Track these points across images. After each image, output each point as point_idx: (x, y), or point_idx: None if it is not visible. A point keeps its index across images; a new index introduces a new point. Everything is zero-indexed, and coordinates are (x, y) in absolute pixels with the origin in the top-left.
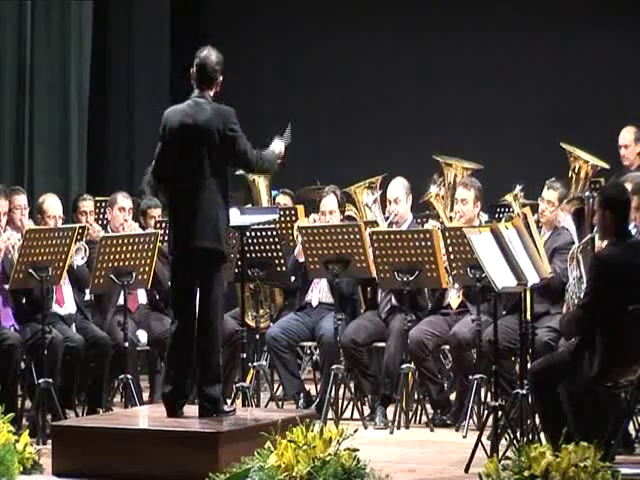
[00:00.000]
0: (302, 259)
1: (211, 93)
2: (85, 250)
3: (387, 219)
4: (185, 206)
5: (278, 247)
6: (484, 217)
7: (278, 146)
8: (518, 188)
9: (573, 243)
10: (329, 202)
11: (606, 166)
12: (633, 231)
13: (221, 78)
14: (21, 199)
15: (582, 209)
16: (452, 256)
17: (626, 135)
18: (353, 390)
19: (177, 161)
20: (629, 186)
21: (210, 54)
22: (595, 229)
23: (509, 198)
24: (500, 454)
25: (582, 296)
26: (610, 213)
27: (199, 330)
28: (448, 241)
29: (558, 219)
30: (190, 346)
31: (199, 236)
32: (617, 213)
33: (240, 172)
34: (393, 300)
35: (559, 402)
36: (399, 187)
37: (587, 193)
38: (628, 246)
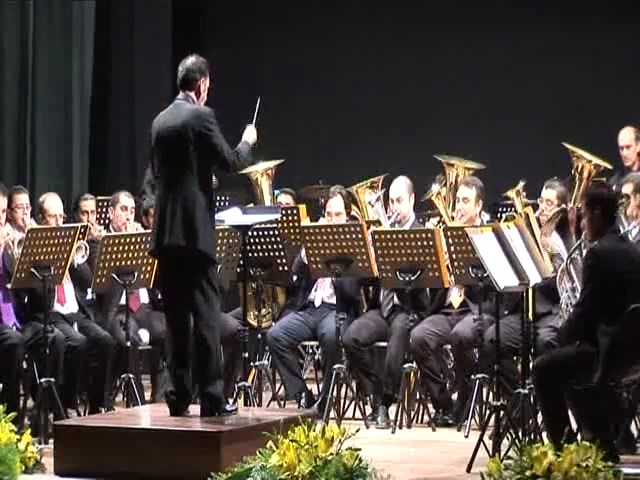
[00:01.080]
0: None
1: (193, 95)
2: (86, 249)
3: (390, 218)
4: (164, 207)
5: (280, 246)
6: (485, 216)
7: (251, 134)
8: (521, 184)
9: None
10: (336, 204)
11: (609, 166)
12: (634, 231)
13: (203, 80)
14: (23, 198)
15: (564, 219)
16: (454, 255)
17: (626, 135)
18: (355, 389)
19: (160, 164)
20: (630, 186)
21: (188, 58)
22: (583, 235)
23: (511, 194)
24: (502, 454)
25: (581, 290)
26: (600, 211)
27: (195, 330)
28: (450, 240)
29: (547, 248)
30: (186, 346)
31: (175, 235)
32: (606, 210)
33: (243, 171)
34: (395, 299)
35: (562, 400)
36: (402, 186)
37: (570, 205)
38: (620, 239)
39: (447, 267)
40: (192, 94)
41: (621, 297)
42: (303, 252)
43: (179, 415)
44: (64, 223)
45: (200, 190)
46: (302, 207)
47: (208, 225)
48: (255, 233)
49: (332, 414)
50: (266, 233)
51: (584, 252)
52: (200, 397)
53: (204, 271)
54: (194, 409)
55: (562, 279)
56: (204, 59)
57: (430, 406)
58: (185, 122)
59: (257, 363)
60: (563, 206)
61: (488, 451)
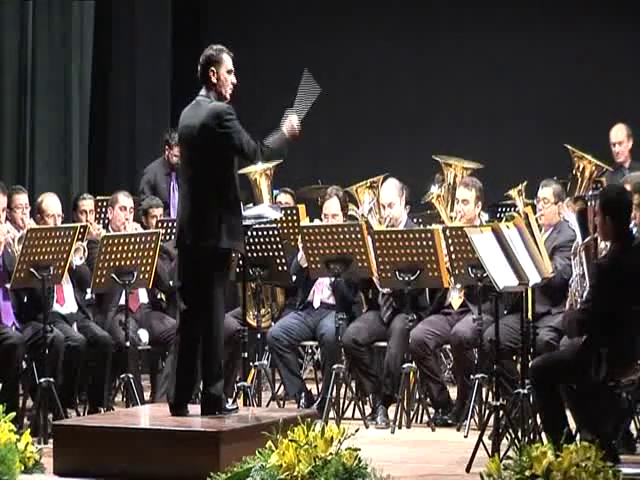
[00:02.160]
0: (305, 264)
1: (210, 88)
2: (84, 251)
3: (382, 224)
4: (187, 206)
5: (279, 246)
6: (485, 216)
7: (290, 123)
8: (523, 183)
9: (573, 240)
10: (332, 205)
11: (610, 169)
12: (634, 230)
13: (214, 69)
14: (22, 198)
15: (585, 209)
16: (453, 256)
17: (618, 132)
18: (354, 390)
19: (182, 162)
20: (628, 187)
21: (206, 50)
22: (597, 230)
23: (513, 193)
24: (501, 454)
25: (584, 300)
26: (610, 218)
27: (203, 328)
28: (449, 241)
29: (562, 213)
30: (194, 346)
31: (198, 235)
32: (617, 217)
33: (242, 171)
34: (394, 304)
35: (560, 401)
36: (392, 190)
37: (590, 193)
38: (629, 250)
39: (447, 269)
40: (210, 87)
41: (622, 303)
42: (299, 255)
43: (179, 415)
44: (62, 223)
45: (221, 189)
46: (302, 207)
47: (229, 221)
48: (255, 233)
49: (331, 414)
50: (266, 233)
51: (599, 244)
52: (201, 396)
53: (219, 270)
54: (194, 409)
55: (575, 261)
56: (218, 47)
57: (430, 406)
58: (203, 123)
59: (257, 363)
60: (590, 194)
61: (487, 451)
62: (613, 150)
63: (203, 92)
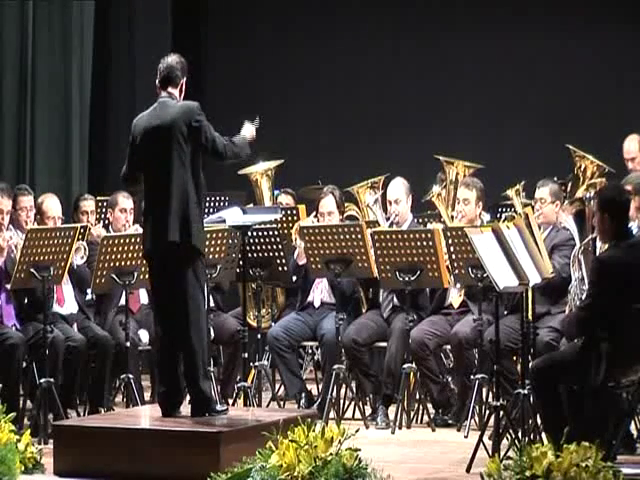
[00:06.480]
0: (301, 262)
1: (176, 92)
2: (85, 250)
3: (388, 219)
4: (157, 205)
5: (280, 247)
6: (486, 217)
7: (249, 130)
8: (521, 183)
9: (572, 239)
10: (327, 203)
11: (612, 170)
12: (634, 231)
13: (184, 79)
14: (27, 200)
15: (583, 210)
16: (454, 256)
17: (630, 146)
18: (354, 390)
19: (147, 162)
20: (629, 188)
21: (170, 56)
22: (595, 230)
23: (510, 192)
24: (501, 454)
25: (583, 297)
26: (609, 217)
27: (183, 328)
28: (450, 241)
29: (559, 219)
30: (176, 346)
31: (171, 233)
32: (616, 216)
33: (243, 172)
34: (395, 300)
35: (560, 401)
36: (399, 187)
37: (587, 194)
38: (629, 247)
39: (447, 268)
40: (176, 92)
41: (622, 301)
42: (296, 253)
43: (171, 415)
44: (63, 224)
45: (190, 186)
46: (302, 207)
47: (201, 221)
48: (255, 233)
49: (332, 414)
50: (266, 233)
51: (598, 245)
52: (190, 396)
53: (194, 269)
54: (184, 410)
55: (573, 266)
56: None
57: (430, 406)
58: (174, 119)
59: (257, 363)
60: (587, 195)
61: (488, 451)
62: (628, 166)
63: (164, 94)
